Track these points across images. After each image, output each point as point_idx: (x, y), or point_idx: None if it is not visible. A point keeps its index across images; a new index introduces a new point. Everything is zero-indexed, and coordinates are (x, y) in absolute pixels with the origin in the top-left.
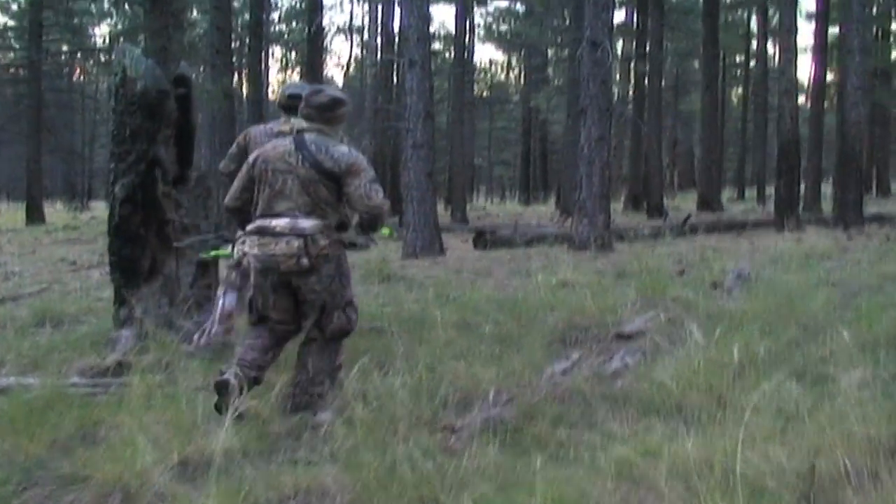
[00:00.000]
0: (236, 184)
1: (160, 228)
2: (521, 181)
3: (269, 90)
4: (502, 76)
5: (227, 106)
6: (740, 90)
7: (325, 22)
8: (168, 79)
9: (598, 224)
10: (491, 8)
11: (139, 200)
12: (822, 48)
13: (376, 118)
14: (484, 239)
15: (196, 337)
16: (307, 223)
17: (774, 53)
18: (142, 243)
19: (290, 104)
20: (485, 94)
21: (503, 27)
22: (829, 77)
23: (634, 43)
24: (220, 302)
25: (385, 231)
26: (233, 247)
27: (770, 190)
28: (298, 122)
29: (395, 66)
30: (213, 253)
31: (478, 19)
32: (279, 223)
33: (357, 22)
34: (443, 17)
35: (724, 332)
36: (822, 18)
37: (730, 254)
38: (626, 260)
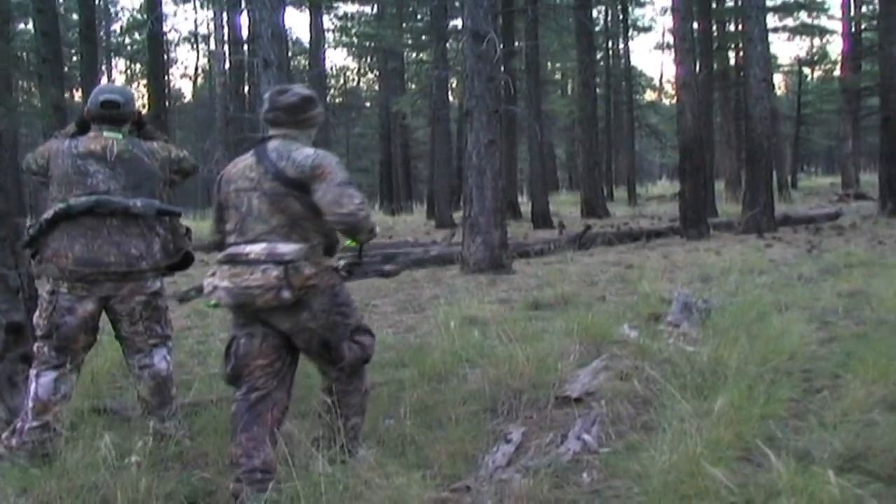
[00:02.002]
0: (212, 216)
1: None
2: (382, 190)
3: None
4: (354, 83)
5: (58, 120)
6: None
7: (169, 30)
8: None
9: (493, 243)
10: (340, 13)
11: None
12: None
13: (229, 129)
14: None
15: (5, 437)
16: (287, 248)
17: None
18: None
19: (102, 114)
20: (338, 100)
21: (354, 31)
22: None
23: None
24: (32, 387)
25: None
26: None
27: (643, 190)
28: (111, 137)
29: (246, 72)
30: (214, 303)
31: (327, 24)
32: (254, 249)
33: (203, 30)
34: (291, 24)
35: (707, 392)
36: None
37: (647, 272)
38: (533, 284)
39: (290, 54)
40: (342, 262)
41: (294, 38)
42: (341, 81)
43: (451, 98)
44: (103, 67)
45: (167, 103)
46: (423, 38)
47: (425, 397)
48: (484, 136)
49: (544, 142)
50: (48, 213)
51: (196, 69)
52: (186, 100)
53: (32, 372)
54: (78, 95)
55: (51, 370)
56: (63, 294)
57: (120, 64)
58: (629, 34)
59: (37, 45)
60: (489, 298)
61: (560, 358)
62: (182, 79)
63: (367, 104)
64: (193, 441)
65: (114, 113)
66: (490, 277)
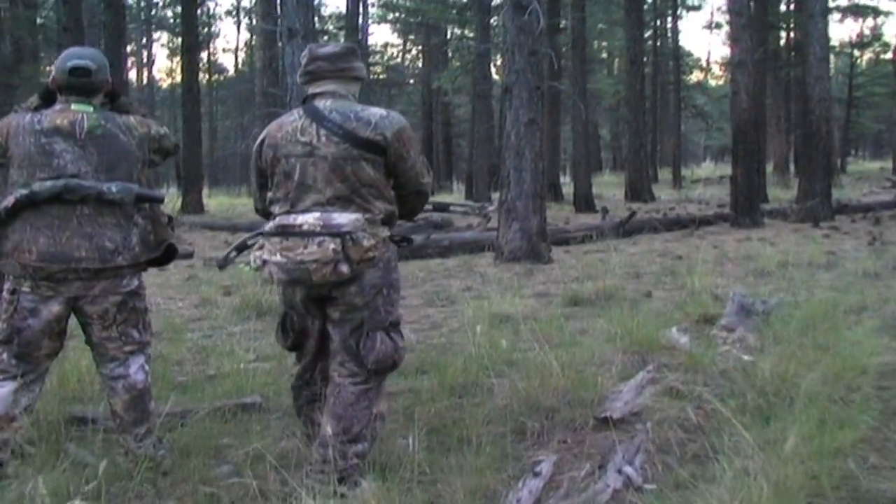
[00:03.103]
0: (252, 182)
1: None
2: None
3: (142, 74)
4: (398, 59)
5: None
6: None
7: (208, 3)
8: None
9: (531, 230)
10: None
11: None
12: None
13: (266, 103)
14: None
15: None
16: (344, 218)
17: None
18: None
19: (71, 83)
20: (382, 76)
21: (397, 3)
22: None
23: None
24: None
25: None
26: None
27: (688, 172)
28: (81, 111)
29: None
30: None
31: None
32: (307, 220)
33: (246, 2)
34: None
35: (770, 416)
36: None
37: (696, 264)
38: (572, 276)
39: (328, 27)
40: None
41: (336, 10)
42: (384, 57)
43: (493, 74)
44: (144, 40)
45: (204, 77)
46: (468, 13)
47: (444, 413)
48: (524, 114)
49: (589, 121)
50: (8, 201)
51: (237, 43)
52: (229, 74)
53: None
54: None
55: (10, 380)
56: (25, 294)
57: (163, 37)
58: (678, 12)
59: (57, 12)
60: (524, 292)
61: (600, 368)
62: (225, 53)
63: (411, 81)
64: (175, 462)
65: (84, 81)
66: (526, 267)
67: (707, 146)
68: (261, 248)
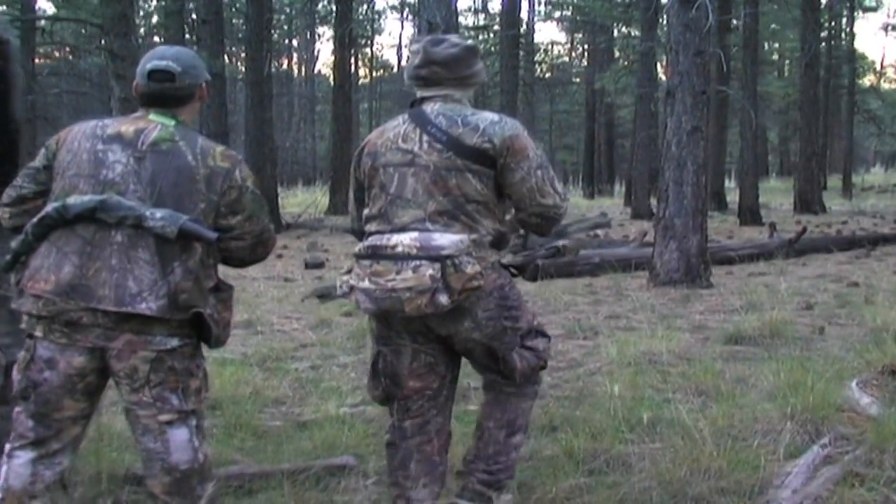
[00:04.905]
0: (351, 198)
1: None
2: (585, 170)
3: (303, 69)
4: (565, 57)
5: (217, 91)
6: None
7: (378, 2)
8: None
9: (690, 250)
10: None
11: None
12: None
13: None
14: (535, 268)
15: None
16: (445, 239)
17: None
18: None
19: (152, 90)
20: (547, 75)
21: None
22: None
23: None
24: (3, 471)
25: None
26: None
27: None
28: (158, 121)
29: None
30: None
31: None
32: (402, 240)
33: None
34: None
35: None
36: None
37: (876, 293)
38: (734, 305)
39: (486, 22)
40: (511, 258)
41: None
42: (549, 55)
43: (658, 75)
44: (308, 35)
45: (366, 73)
46: (634, 11)
47: (568, 496)
48: (687, 121)
49: (758, 126)
50: (37, 217)
51: (400, 39)
52: (394, 71)
53: (6, 448)
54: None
55: (28, 448)
56: (40, 339)
57: (327, 32)
58: (854, 13)
59: (196, 4)
60: (677, 323)
61: (763, 438)
62: (390, 49)
63: (576, 80)
64: None
65: (166, 88)
66: (682, 293)
67: (877, 151)
68: (348, 271)
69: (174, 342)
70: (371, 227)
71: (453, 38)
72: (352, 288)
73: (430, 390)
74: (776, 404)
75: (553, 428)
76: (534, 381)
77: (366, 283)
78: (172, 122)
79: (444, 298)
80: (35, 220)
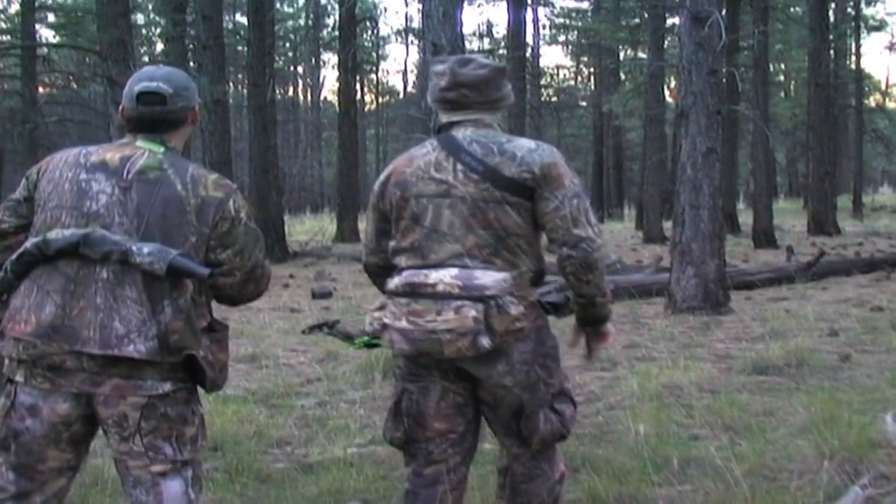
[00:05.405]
0: (368, 228)
1: None
2: (594, 194)
3: (309, 95)
4: (571, 81)
5: (218, 117)
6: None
7: (382, 28)
8: None
9: (708, 276)
10: (557, 8)
11: None
12: None
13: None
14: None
15: None
16: (488, 277)
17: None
18: None
19: (142, 114)
20: (553, 98)
21: (569, 23)
22: None
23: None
24: None
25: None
26: None
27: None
28: (146, 148)
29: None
30: (370, 339)
31: (543, 20)
32: (441, 278)
33: (415, 24)
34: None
35: None
36: None
37: None
38: (756, 332)
39: (491, 47)
40: (546, 296)
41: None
42: (555, 79)
43: (667, 97)
44: (313, 61)
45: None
46: (640, 34)
47: None
48: (702, 142)
49: (761, 147)
50: (16, 253)
51: (405, 64)
52: (400, 97)
53: None
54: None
55: (9, 502)
56: (21, 385)
57: (332, 59)
58: (860, 33)
59: (196, 29)
60: (699, 353)
61: (799, 479)
62: (395, 74)
63: (583, 103)
64: None
65: (157, 111)
66: (702, 320)
67: (884, 171)
68: (381, 308)
69: (166, 387)
70: (401, 260)
71: (480, 58)
72: (384, 326)
73: (456, 434)
74: (810, 440)
75: (574, 469)
76: (550, 456)
77: (403, 323)
78: (161, 149)
79: (485, 341)
80: (14, 256)
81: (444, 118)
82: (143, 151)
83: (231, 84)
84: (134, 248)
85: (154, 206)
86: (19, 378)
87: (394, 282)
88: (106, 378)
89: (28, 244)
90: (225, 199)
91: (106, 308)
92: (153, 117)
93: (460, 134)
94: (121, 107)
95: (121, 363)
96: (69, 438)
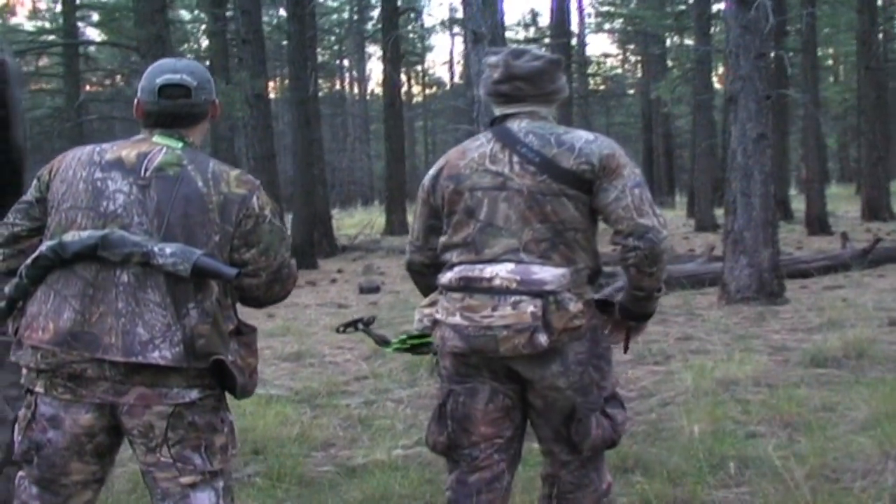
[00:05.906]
0: (416, 225)
1: None
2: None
3: (355, 88)
4: (619, 69)
5: (259, 113)
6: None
7: (427, 19)
8: None
9: (761, 265)
10: None
11: None
12: None
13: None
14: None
15: None
16: (547, 272)
17: None
18: None
19: (163, 108)
20: (600, 87)
21: (613, 11)
22: None
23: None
24: None
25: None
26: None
27: None
28: (163, 144)
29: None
30: (407, 339)
31: (587, 8)
32: (498, 272)
33: (459, 14)
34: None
35: None
36: None
37: None
38: (813, 323)
39: (535, 35)
40: (613, 296)
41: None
42: (602, 68)
43: (715, 83)
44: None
45: (420, 90)
46: (686, 20)
47: None
48: (752, 128)
49: (811, 133)
50: (31, 258)
51: (451, 55)
52: (447, 88)
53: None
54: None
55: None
56: (41, 395)
57: (377, 51)
58: None
59: (236, 23)
60: (754, 345)
61: (863, 478)
62: (442, 65)
63: (631, 91)
64: None
65: (181, 105)
66: (756, 310)
67: None
68: (432, 303)
69: (193, 394)
70: (452, 256)
71: (534, 49)
72: (435, 322)
73: (502, 439)
74: (872, 438)
75: (625, 470)
76: (598, 465)
77: (457, 319)
78: (179, 145)
79: (543, 338)
80: (29, 260)
81: (498, 111)
82: (161, 147)
83: (277, 79)
84: (156, 248)
85: (175, 205)
86: (39, 388)
87: (446, 276)
88: (130, 387)
89: (43, 248)
90: (248, 195)
91: (128, 313)
92: (175, 111)
93: (515, 125)
94: (136, 101)
95: (145, 371)
96: (93, 450)
